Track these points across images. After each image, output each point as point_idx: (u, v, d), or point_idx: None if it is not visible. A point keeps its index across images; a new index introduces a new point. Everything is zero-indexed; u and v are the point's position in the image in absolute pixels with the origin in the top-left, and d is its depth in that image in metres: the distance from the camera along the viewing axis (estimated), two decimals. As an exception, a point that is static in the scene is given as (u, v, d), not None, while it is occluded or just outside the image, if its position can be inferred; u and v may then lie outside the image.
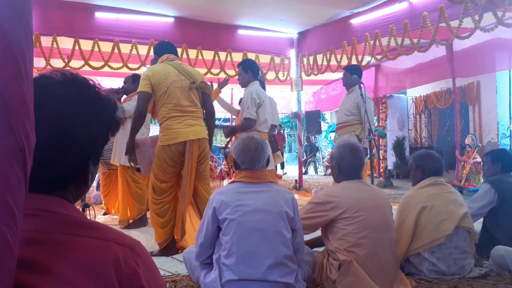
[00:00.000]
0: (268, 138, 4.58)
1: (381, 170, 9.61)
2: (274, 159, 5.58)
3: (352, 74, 4.94)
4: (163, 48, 3.67)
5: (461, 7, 4.82)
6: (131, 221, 4.61)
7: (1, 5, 0.56)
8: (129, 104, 4.49)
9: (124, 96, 4.77)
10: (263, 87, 5.85)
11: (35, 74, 0.78)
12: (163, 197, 3.45)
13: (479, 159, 7.15)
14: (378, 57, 6.33)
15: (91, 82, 0.86)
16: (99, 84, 0.88)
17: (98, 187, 6.41)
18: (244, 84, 4.33)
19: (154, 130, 6.72)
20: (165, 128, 3.39)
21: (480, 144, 7.99)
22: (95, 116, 0.82)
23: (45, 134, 0.72)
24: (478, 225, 3.13)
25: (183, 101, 3.38)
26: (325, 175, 12.62)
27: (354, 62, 6.55)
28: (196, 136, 3.38)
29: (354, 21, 6.75)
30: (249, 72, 4.31)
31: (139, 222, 4.60)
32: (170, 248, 3.47)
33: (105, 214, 5.38)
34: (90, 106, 0.82)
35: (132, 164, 4.05)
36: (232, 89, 10.05)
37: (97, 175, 4.35)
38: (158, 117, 3.47)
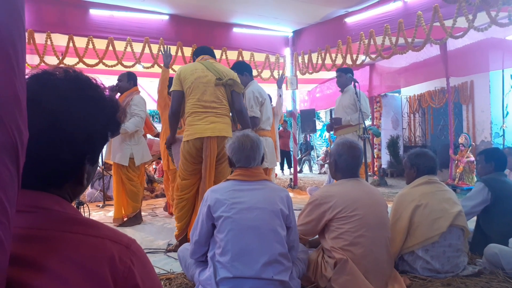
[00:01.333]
0: (271, 135, 4.62)
1: (376, 168, 9.64)
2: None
3: (347, 74, 5.05)
4: (201, 51, 3.73)
5: (455, 7, 4.84)
6: (125, 219, 4.59)
7: (-8, 0, 0.55)
8: (133, 122, 4.46)
9: (119, 94, 4.74)
10: (280, 85, 5.87)
11: (30, 70, 0.78)
12: (183, 194, 3.53)
13: (472, 158, 7.19)
14: (373, 56, 6.35)
15: (93, 81, 0.86)
16: (102, 84, 0.88)
17: (92, 185, 6.39)
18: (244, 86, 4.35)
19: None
20: (187, 124, 3.42)
21: (473, 143, 8.03)
22: (92, 114, 0.81)
23: (40, 129, 0.72)
24: (471, 223, 3.15)
25: (207, 97, 3.36)
26: (319, 173, 12.65)
27: (348, 60, 6.57)
28: (214, 134, 3.34)
29: (349, 20, 6.76)
30: (245, 73, 4.33)
31: (134, 220, 4.58)
32: (183, 242, 3.54)
33: (103, 206, 5.37)
34: (88, 104, 0.81)
35: (172, 160, 4.15)
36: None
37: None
38: (185, 111, 3.48)
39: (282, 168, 12.48)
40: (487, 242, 2.88)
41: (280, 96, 5.98)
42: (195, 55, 3.73)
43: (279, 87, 5.92)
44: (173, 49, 6.50)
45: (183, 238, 3.55)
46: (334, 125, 5.24)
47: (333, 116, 5.32)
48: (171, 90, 3.50)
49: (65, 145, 0.77)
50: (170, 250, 3.54)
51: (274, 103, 5.85)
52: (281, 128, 11.74)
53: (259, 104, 4.26)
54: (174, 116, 3.50)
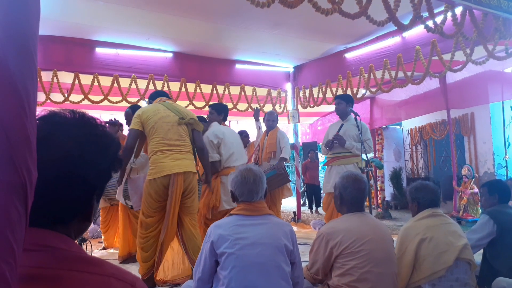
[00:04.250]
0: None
1: (379, 201, 9.56)
2: (284, 192, 5.57)
3: (347, 103, 4.94)
4: (157, 94, 3.92)
5: (453, 41, 4.95)
6: (130, 253, 4.54)
7: (8, 44, 0.58)
8: (142, 157, 4.52)
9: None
10: (257, 118, 5.93)
11: (39, 109, 0.81)
12: (148, 231, 3.53)
13: (476, 190, 7.14)
14: (373, 89, 6.44)
15: (97, 120, 0.90)
16: (104, 123, 0.92)
17: (95, 221, 6.34)
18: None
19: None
20: (152, 162, 3.50)
21: (476, 175, 8.00)
22: (102, 152, 0.85)
23: (54, 167, 0.75)
24: (478, 256, 3.09)
25: (171, 135, 3.50)
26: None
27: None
28: (181, 170, 3.45)
29: (349, 55, 6.91)
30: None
31: (137, 257, 4.53)
32: (148, 280, 3.55)
33: (104, 249, 5.31)
34: (98, 142, 0.85)
35: (126, 200, 4.11)
36: (230, 121, 10.12)
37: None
38: (148, 152, 3.58)
39: (310, 207, 10.35)
40: (495, 276, 2.82)
41: (259, 128, 6.04)
42: (151, 98, 3.91)
43: (256, 119, 6.02)
44: (177, 85, 6.65)
45: (149, 277, 3.56)
46: (338, 143, 4.83)
47: (331, 149, 4.96)
48: (129, 128, 3.62)
49: (78, 182, 0.79)
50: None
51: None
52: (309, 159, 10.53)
53: (215, 147, 4.29)
54: (128, 152, 3.60)
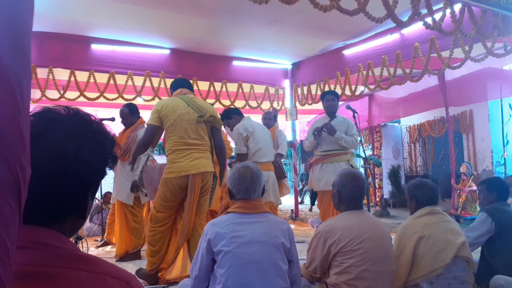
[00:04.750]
0: (273, 169, 4.60)
1: (377, 199, 9.58)
2: (282, 190, 5.55)
3: (338, 100, 4.91)
4: (178, 83, 3.81)
5: (451, 38, 4.93)
6: (127, 252, 4.53)
7: (1, 40, 0.56)
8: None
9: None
10: (275, 118, 5.95)
11: (34, 106, 0.80)
12: (157, 226, 3.51)
13: (474, 188, 7.15)
14: (371, 86, 6.43)
15: (92, 117, 0.89)
16: (99, 119, 0.91)
17: (91, 219, 6.32)
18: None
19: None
20: (170, 161, 3.45)
21: (475, 172, 8.01)
22: (96, 148, 0.84)
23: (49, 163, 0.74)
24: (476, 254, 3.09)
25: (190, 134, 3.44)
26: (321, 204, 12.45)
27: (347, 91, 6.65)
28: (198, 170, 3.41)
29: (347, 52, 6.89)
30: (233, 116, 4.55)
31: (135, 255, 4.52)
32: (153, 276, 3.54)
33: (104, 244, 5.27)
34: (93, 139, 0.84)
35: (142, 188, 4.11)
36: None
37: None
38: (166, 148, 3.53)
39: (312, 204, 9.79)
40: (493, 274, 2.82)
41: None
42: (172, 88, 3.81)
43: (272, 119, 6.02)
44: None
45: (154, 273, 3.55)
46: (328, 132, 4.51)
47: (319, 137, 4.59)
48: (147, 123, 3.58)
49: (73, 178, 0.79)
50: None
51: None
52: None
53: (244, 139, 4.32)
54: (145, 147, 3.59)
